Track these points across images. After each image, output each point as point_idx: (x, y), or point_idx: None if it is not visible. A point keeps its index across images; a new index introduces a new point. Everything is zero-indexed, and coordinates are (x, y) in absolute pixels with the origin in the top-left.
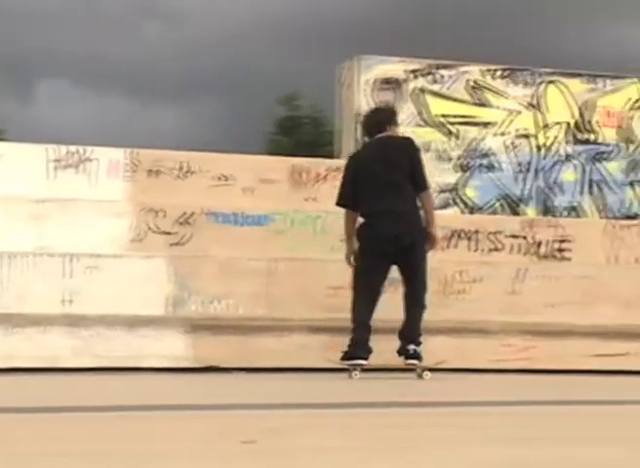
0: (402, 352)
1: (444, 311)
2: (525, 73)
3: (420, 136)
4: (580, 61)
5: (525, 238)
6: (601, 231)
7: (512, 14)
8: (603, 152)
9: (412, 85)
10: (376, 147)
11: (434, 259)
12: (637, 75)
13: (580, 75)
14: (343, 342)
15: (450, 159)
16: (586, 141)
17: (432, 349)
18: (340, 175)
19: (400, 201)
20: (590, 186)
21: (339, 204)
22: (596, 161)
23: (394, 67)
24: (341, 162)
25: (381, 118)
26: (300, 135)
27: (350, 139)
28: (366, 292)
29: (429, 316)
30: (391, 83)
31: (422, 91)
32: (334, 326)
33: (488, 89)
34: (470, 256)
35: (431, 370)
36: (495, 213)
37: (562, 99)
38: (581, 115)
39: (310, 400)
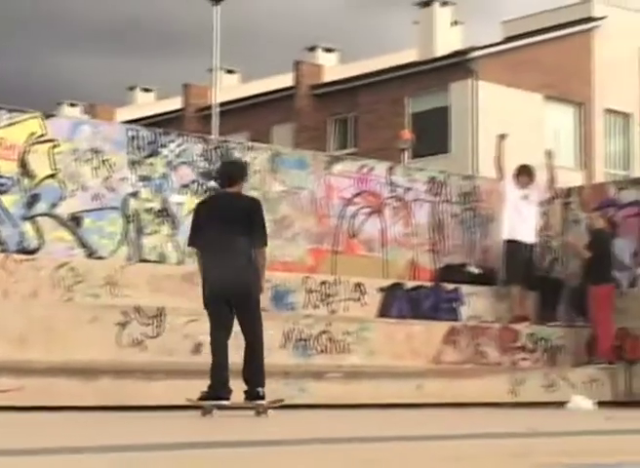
0: (251, 393)
1: None
2: None
3: None
4: None
5: None
6: None
7: None
8: (1, 185)
9: None
10: (223, 201)
11: None
12: (40, 109)
13: None
14: None
15: None
16: None
17: None
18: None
19: (235, 255)
20: None
21: (190, 245)
22: None
23: None
24: None
25: (234, 173)
26: None
27: None
28: (219, 337)
29: None
30: None
31: None
32: None
33: None
34: None
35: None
36: None
37: None
38: None
39: None
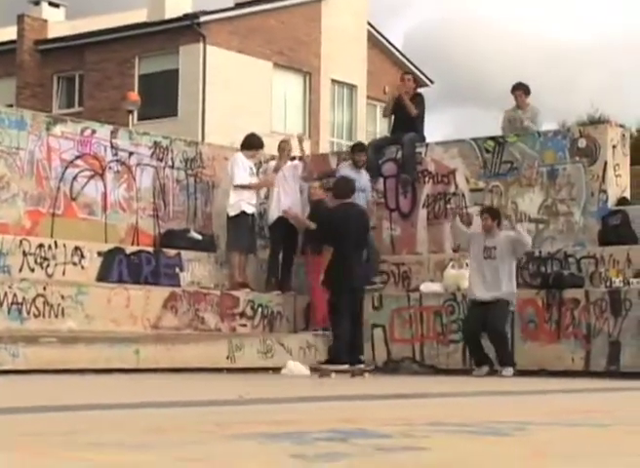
0: (356, 359)
1: None
2: None
3: None
4: None
5: None
6: None
7: None
8: None
9: None
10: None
11: None
12: None
13: None
14: None
15: None
16: None
17: None
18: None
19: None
20: None
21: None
22: None
23: None
24: None
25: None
26: None
27: None
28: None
29: None
30: None
31: None
32: None
33: None
34: None
35: None
36: None
37: None
38: None
39: None
